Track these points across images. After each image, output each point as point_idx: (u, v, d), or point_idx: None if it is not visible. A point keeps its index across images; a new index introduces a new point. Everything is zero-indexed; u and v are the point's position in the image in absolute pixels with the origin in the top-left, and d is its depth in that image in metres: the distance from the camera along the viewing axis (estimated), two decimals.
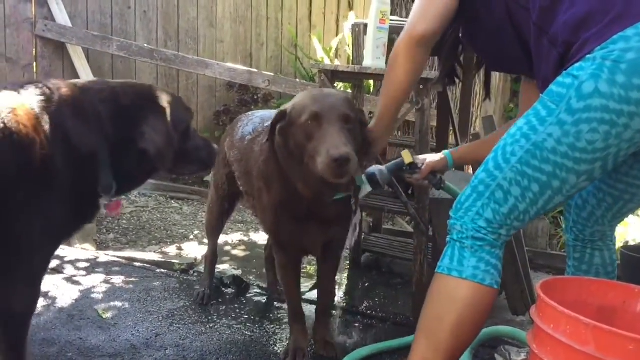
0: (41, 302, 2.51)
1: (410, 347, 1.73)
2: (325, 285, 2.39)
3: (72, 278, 2.90)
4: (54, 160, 1.66)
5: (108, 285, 2.84)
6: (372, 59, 2.77)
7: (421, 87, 2.67)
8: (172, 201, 4.72)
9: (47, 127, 1.66)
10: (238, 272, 3.15)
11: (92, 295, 2.71)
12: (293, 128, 1.92)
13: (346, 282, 3.24)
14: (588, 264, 1.94)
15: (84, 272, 3.00)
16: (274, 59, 6.31)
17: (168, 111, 1.87)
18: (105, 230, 3.92)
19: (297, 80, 5.47)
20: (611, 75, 1.43)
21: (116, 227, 4.00)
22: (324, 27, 6.70)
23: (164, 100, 1.89)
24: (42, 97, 1.70)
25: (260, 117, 2.44)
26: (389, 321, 2.64)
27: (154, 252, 3.52)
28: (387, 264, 3.46)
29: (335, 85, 3.25)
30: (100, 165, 1.78)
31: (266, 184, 2.13)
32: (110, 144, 1.79)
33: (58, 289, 2.73)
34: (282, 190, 2.08)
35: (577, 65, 1.50)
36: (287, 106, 2.00)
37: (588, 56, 1.48)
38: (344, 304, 2.87)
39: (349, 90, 4.30)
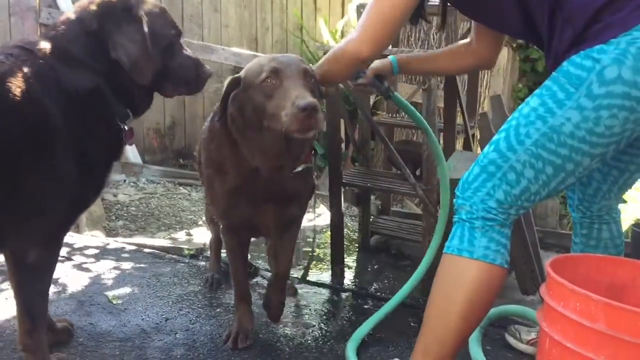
0: (51, 289, 2.52)
1: (398, 306, 1.98)
2: (283, 259, 2.29)
3: (82, 265, 2.92)
4: (50, 117, 1.60)
5: (118, 272, 2.85)
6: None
7: None
8: (181, 187, 4.73)
9: (32, 87, 1.58)
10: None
11: (102, 282, 2.72)
12: (250, 90, 1.84)
13: (355, 265, 3.24)
14: (596, 238, 1.93)
15: (93, 259, 3.01)
16: (279, 43, 6.27)
17: (145, 22, 1.74)
18: (114, 217, 3.94)
19: None
20: (635, 63, 1.42)
21: (125, 214, 4.02)
22: (329, 10, 6.64)
23: (141, 11, 1.76)
24: (21, 59, 1.62)
25: None
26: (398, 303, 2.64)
27: (163, 238, 3.53)
28: (396, 246, 3.45)
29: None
30: (105, 100, 1.72)
31: (218, 170, 2.05)
32: (103, 75, 1.71)
33: (68, 276, 2.75)
34: (237, 173, 2.00)
35: (597, 47, 1.46)
36: (240, 73, 1.93)
37: (612, 40, 1.44)
38: (354, 287, 2.87)
39: None
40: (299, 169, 1.99)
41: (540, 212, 3.74)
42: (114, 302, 2.51)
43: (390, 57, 2.13)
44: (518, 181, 1.56)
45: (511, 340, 2.30)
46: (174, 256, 3.12)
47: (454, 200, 1.67)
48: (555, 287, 1.37)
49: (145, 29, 1.73)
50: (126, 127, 1.78)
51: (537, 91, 1.58)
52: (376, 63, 2.09)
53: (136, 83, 1.76)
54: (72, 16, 1.74)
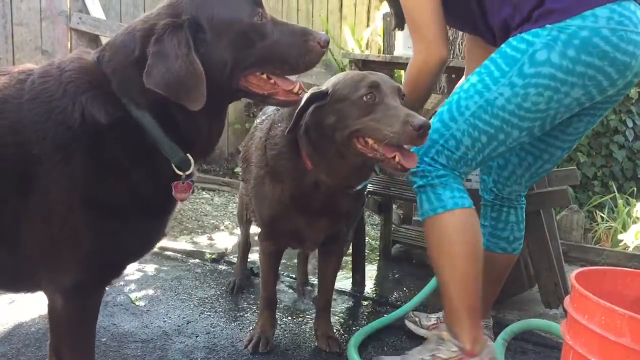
0: None
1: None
2: (326, 281, 2.31)
3: None
4: (36, 155, 1.34)
5: (141, 274, 2.88)
6: (404, 47, 2.75)
7: (453, 76, 2.65)
8: (204, 192, 4.76)
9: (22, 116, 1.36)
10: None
11: (125, 283, 2.75)
12: (342, 104, 1.82)
13: (376, 273, 3.23)
14: (504, 221, 2.13)
15: None
16: None
17: (188, 23, 1.34)
18: None
19: (327, 71, 5.46)
20: (564, 49, 1.63)
21: None
22: (355, 18, 6.67)
23: (187, 9, 1.37)
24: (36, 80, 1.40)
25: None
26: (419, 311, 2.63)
27: (186, 241, 3.55)
28: (417, 256, 3.44)
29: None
30: (140, 141, 1.40)
31: (272, 176, 2.03)
32: (149, 111, 1.38)
33: None
34: (294, 185, 1.98)
35: (532, 31, 1.67)
36: (323, 88, 1.89)
37: (547, 25, 1.65)
38: (374, 295, 2.86)
39: None
40: (359, 187, 2.01)
41: (565, 226, 3.70)
42: (137, 303, 2.53)
43: None
44: (457, 147, 1.78)
45: (411, 326, 2.37)
46: (196, 260, 3.15)
47: (408, 173, 1.84)
48: (580, 299, 1.35)
49: (188, 33, 1.33)
50: (184, 176, 1.46)
51: (477, 69, 1.78)
52: None
53: (191, 111, 1.37)
54: (118, 40, 1.43)
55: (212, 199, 4.62)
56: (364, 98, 1.79)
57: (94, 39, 4.91)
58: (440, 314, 2.33)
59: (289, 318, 2.51)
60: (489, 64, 1.76)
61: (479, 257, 1.81)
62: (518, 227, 2.14)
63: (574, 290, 1.39)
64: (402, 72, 4.75)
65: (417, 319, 2.37)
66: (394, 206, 3.57)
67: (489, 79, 1.73)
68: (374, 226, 4.06)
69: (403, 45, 2.75)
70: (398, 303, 2.74)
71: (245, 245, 2.84)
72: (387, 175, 3.29)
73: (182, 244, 3.45)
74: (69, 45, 4.88)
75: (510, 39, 1.72)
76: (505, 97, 1.70)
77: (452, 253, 1.79)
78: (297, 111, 1.86)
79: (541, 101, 1.68)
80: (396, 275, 3.17)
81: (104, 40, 4.89)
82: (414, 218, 3.75)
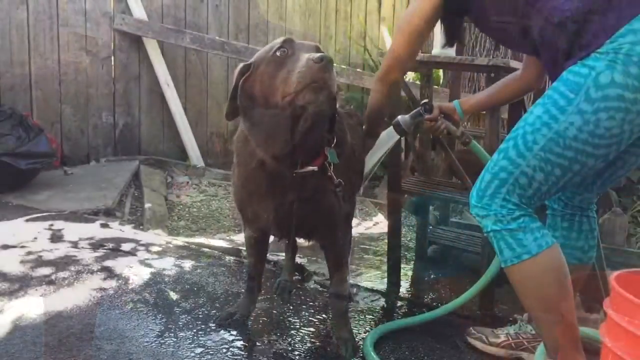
0: (114, 283, 2.62)
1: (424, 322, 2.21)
2: (336, 285, 2.18)
3: (145, 261, 3.01)
4: None
5: (177, 269, 2.93)
6: (441, 47, 2.72)
7: (492, 75, 2.61)
8: None
9: None
10: (303, 261, 3.18)
11: (163, 278, 2.79)
12: (261, 66, 1.81)
13: (412, 274, 3.21)
14: (578, 231, 2.06)
15: (155, 256, 3.10)
16: (342, 50, 6.31)
17: None
18: (176, 218, 4.04)
19: (364, 71, 5.46)
20: (625, 67, 1.54)
21: (187, 215, 4.12)
22: (393, 19, 6.65)
23: None
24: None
25: None
26: (455, 314, 2.60)
27: (223, 239, 3.60)
28: (454, 257, 3.40)
29: (404, 75, 3.20)
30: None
31: (237, 165, 2.06)
32: None
33: (131, 270, 2.84)
34: (247, 167, 1.96)
35: (592, 56, 1.59)
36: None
37: (599, 50, 1.58)
38: (409, 295, 2.85)
39: (418, 82, 4.25)
40: (306, 169, 1.88)
41: (608, 229, 3.60)
42: (173, 297, 2.57)
43: (454, 102, 2.32)
44: (530, 184, 1.69)
45: (477, 344, 2.26)
46: (232, 257, 3.18)
47: (471, 210, 1.79)
48: (620, 301, 1.32)
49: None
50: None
51: (540, 100, 1.69)
52: (440, 104, 2.30)
53: None
54: None
55: None
56: (277, 53, 1.78)
57: (136, 40, 5.01)
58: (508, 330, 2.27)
59: (288, 320, 2.51)
60: (552, 93, 1.66)
61: (569, 291, 1.74)
62: (592, 234, 2.08)
63: (613, 292, 1.36)
64: (440, 71, 4.71)
65: (482, 336, 2.27)
66: (431, 207, 3.54)
67: (555, 109, 1.64)
68: (410, 227, 4.04)
69: (441, 44, 2.73)
70: (434, 304, 2.72)
71: (288, 246, 2.70)
72: (425, 174, 3.27)
73: (219, 241, 3.49)
74: (112, 45, 5.00)
75: (571, 66, 1.64)
76: (576, 126, 1.60)
77: (544, 296, 1.73)
78: (232, 89, 1.88)
79: (614, 125, 1.58)
80: (432, 276, 3.14)
81: (146, 41, 4.99)
82: (451, 219, 3.72)
